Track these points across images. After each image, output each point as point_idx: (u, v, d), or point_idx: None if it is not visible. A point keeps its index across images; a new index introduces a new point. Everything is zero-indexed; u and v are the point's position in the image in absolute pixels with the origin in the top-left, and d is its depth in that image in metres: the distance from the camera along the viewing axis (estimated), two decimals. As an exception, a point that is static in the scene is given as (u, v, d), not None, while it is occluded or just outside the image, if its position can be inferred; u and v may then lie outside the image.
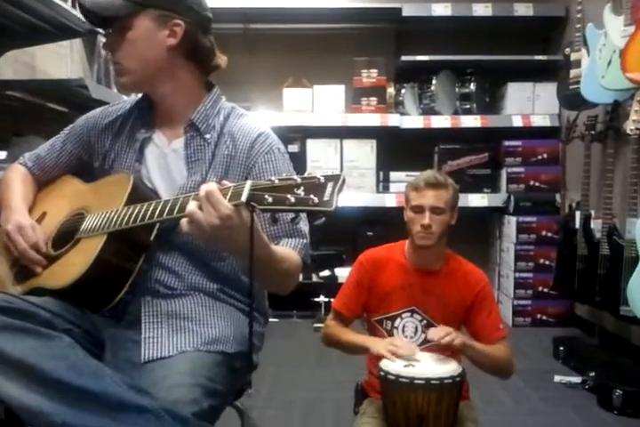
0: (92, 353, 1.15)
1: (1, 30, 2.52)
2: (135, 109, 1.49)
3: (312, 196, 1.02)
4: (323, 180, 1.03)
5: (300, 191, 1.03)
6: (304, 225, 1.37)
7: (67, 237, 1.37)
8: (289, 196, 1.03)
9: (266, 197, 1.04)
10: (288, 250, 1.33)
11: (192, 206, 1.10)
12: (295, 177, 1.05)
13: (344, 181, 1.04)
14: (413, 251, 1.72)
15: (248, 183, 1.07)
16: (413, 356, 1.57)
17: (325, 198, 1.01)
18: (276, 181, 1.05)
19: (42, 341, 1.09)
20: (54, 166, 1.54)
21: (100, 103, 2.49)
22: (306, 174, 1.05)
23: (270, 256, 1.21)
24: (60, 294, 1.27)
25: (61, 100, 2.89)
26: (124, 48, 1.36)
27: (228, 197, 1.09)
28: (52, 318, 1.18)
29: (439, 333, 1.55)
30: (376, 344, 1.62)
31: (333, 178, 1.03)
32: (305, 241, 1.37)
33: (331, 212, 1.01)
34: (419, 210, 1.65)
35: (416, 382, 1.49)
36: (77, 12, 2.53)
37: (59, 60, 3.06)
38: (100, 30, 2.39)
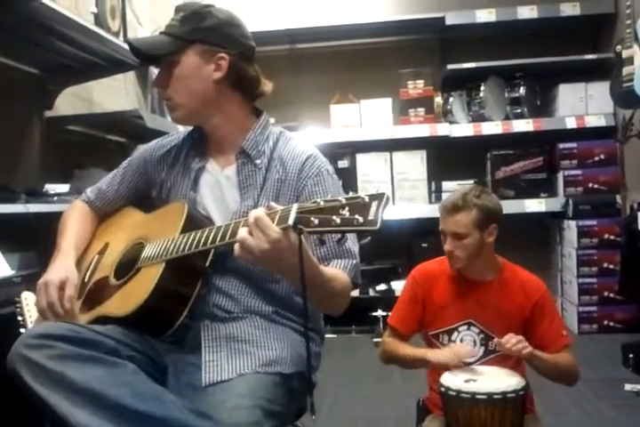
0: (155, 378, 1.20)
1: (60, 69, 2.67)
2: (188, 140, 1.54)
3: (357, 216, 1.04)
4: (367, 199, 1.05)
5: (345, 212, 1.05)
6: (353, 245, 1.39)
7: (128, 266, 1.43)
8: (334, 217, 1.05)
9: (312, 219, 1.07)
10: (337, 270, 1.34)
11: (243, 233, 1.14)
12: (340, 198, 1.07)
13: (388, 199, 1.06)
14: None
15: (295, 207, 1.10)
16: (473, 366, 1.56)
17: (370, 218, 1.03)
18: (322, 203, 1.08)
19: (107, 368, 1.14)
20: (115, 198, 1.61)
21: (155, 132, 2.60)
22: (350, 195, 1.08)
23: (319, 276, 1.24)
24: (123, 321, 1.32)
25: (119, 131, 3.01)
26: (172, 84, 1.42)
27: (275, 221, 1.12)
28: (117, 346, 1.23)
29: (510, 341, 1.52)
30: (435, 354, 1.61)
31: (377, 197, 1.05)
32: (354, 261, 1.38)
33: (375, 230, 1.03)
34: (444, 234, 1.67)
35: (478, 397, 1.46)
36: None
37: (114, 93, 3.19)
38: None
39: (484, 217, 1.64)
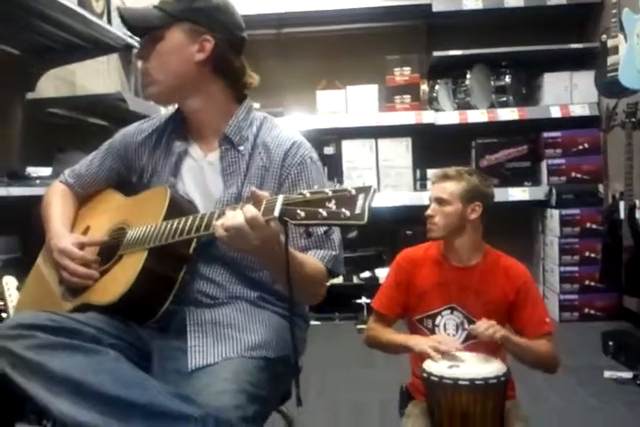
0: (139, 365, 1.19)
1: (42, 50, 2.62)
2: (170, 123, 1.52)
3: (344, 209, 1.03)
4: (354, 192, 1.04)
5: (332, 205, 1.04)
6: (336, 236, 1.38)
7: (110, 252, 1.41)
8: (321, 210, 1.04)
9: (298, 211, 1.06)
10: (313, 259, 1.33)
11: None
12: (326, 190, 1.06)
13: (375, 192, 1.05)
14: (444, 246, 1.73)
15: (280, 198, 1.09)
16: (455, 353, 1.57)
17: (357, 211, 1.02)
18: (308, 195, 1.07)
19: (88, 356, 1.13)
20: (94, 182, 1.59)
21: (138, 115, 2.57)
22: (337, 187, 1.07)
23: (295, 266, 1.22)
24: (106, 309, 1.30)
25: (101, 114, 2.97)
26: (153, 59, 1.40)
27: (261, 211, 1.11)
28: (98, 334, 1.22)
29: (481, 326, 1.54)
30: (418, 342, 1.62)
31: (364, 190, 1.04)
32: (334, 253, 1.37)
33: (363, 225, 1.02)
34: (430, 203, 1.73)
35: (460, 382, 1.48)
36: (113, 29, 2.62)
37: (97, 76, 3.15)
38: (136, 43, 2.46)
39: (470, 191, 1.69)
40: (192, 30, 1.38)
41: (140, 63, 1.53)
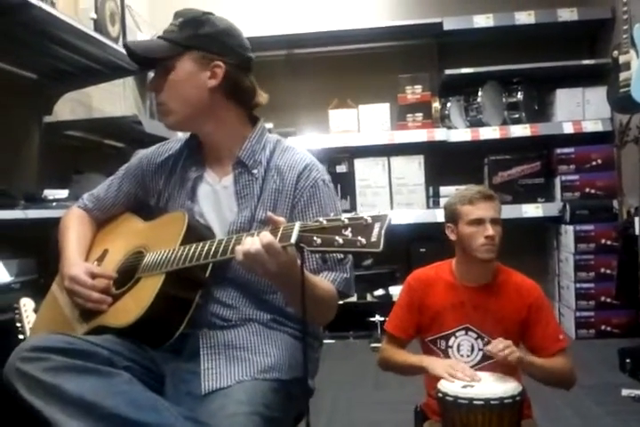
0: (152, 388, 1.20)
1: (59, 74, 2.68)
2: (185, 149, 1.54)
3: (360, 237, 1.05)
4: (370, 220, 1.06)
5: (348, 232, 1.06)
6: (348, 259, 1.39)
7: (127, 275, 1.43)
8: (337, 237, 1.06)
9: (314, 238, 1.08)
10: (326, 282, 1.35)
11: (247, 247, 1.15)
12: (342, 218, 1.08)
13: (390, 220, 1.06)
14: (468, 267, 1.71)
15: (297, 225, 1.11)
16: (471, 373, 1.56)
17: (373, 239, 1.04)
18: (324, 222, 1.09)
19: (102, 379, 1.14)
20: (112, 206, 1.61)
21: (154, 137, 2.61)
22: (352, 215, 1.09)
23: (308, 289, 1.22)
24: (122, 332, 1.32)
25: (117, 136, 3.02)
26: (166, 89, 1.42)
27: (277, 237, 1.13)
28: (112, 356, 1.23)
29: (498, 345, 1.53)
30: (433, 364, 1.61)
31: (380, 218, 1.06)
32: (345, 275, 1.38)
33: (378, 252, 1.04)
34: (479, 223, 1.65)
35: (475, 402, 1.47)
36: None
37: (113, 98, 3.21)
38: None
39: (500, 210, 1.71)
40: (202, 57, 1.40)
41: (153, 94, 1.55)
